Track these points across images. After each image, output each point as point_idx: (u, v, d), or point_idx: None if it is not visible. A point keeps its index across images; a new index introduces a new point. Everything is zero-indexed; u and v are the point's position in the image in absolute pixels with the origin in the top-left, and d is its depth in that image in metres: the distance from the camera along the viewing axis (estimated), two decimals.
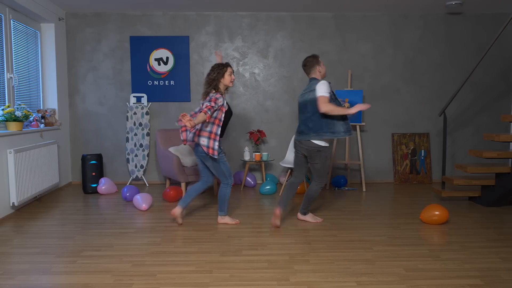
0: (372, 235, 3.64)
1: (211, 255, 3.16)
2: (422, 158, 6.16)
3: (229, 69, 3.77)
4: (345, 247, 3.31)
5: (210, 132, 3.69)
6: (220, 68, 3.75)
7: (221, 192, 3.92)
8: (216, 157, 3.70)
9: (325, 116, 3.67)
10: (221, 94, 3.72)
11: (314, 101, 3.67)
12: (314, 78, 3.79)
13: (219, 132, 3.71)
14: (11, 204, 4.28)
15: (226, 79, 3.75)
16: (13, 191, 4.24)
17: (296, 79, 6.07)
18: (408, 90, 6.15)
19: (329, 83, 3.70)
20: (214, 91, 3.73)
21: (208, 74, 3.77)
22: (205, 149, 3.68)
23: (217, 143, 3.69)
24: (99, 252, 3.23)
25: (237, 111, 6.09)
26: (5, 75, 4.62)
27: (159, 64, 5.98)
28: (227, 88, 3.84)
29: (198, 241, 3.49)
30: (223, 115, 3.79)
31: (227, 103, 3.94)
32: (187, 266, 2.93)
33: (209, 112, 3.55)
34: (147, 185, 6.02)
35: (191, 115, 3.77)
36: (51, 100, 5.61)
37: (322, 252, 3.20)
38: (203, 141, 3.69)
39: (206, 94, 3.75)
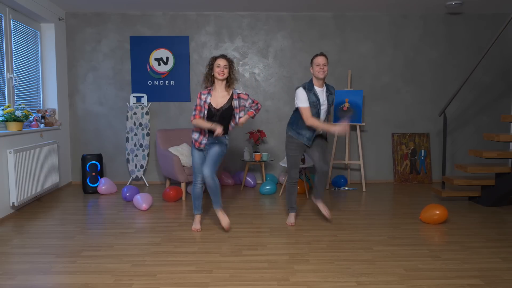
0: (372, 235, 3.64)
1: (211, 255, 3.16)
2: (422, 158, 6.15)
3: (217, 61, 3.64)
4: (345, 247, 3.31)
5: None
6: (211, 60, 3.70)
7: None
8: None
9: None
10: (208, 90, 3.66)
11: None
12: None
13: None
14: (11, 204, 4.28)
15: (214, 70, 3.67)
16: (13, 191, 4.24)
17: (296, 79, 6.07)
18: (408, 90, 6.15)
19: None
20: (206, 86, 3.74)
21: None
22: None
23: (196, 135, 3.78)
24: (99, 252, 3.23)
25: None
26: (5, 75, 4.62)
27: (159, 64, 5.97)
28: (228, 81, 3.69)
29: (198, 241, 3.49)
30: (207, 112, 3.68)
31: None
32: (187, 266, 2.93)
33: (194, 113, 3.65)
34: (147, 185, 6.02)
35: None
36: (51, 100, 5.61)
37: (322, 252, 3.20)
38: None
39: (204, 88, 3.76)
